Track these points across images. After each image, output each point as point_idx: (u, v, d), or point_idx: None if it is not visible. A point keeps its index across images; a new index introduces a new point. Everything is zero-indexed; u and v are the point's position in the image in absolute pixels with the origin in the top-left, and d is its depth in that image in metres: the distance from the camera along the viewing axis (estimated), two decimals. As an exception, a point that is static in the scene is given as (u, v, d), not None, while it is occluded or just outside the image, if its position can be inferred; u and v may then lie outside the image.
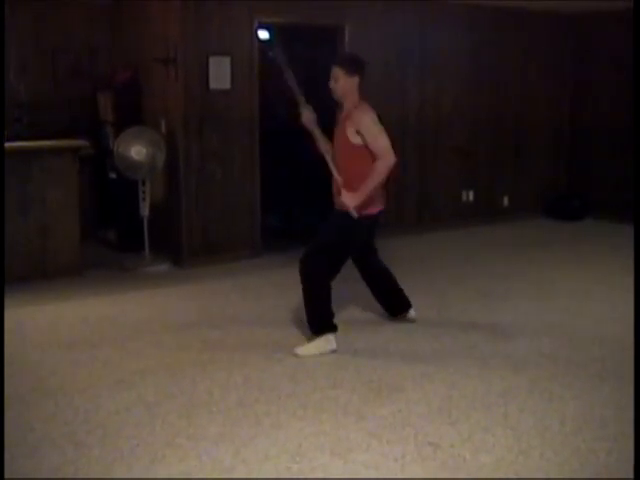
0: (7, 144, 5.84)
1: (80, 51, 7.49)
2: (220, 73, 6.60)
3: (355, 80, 4.49)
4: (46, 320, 5.31)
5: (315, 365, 4.46)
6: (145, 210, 6.68)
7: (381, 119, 4.52)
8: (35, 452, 3.41)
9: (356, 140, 4.45)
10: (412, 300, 5.49)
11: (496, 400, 3.98)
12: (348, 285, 6.12)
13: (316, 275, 4.62)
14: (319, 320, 4.67)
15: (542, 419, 3.76)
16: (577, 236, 8.25)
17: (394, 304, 5.19)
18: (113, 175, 7.16)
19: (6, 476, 2.95)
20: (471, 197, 8.62)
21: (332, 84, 4.51)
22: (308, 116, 4.60)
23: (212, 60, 6.55)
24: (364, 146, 4.44)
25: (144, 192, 6.67)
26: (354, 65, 4.51)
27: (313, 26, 7.41)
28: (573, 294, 5.99)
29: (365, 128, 4.42)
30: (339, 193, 4.56)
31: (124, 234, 7.23)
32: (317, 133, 4.64)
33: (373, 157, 4.43)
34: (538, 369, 4.41)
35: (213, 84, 6.59)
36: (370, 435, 3.59)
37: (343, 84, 4.47)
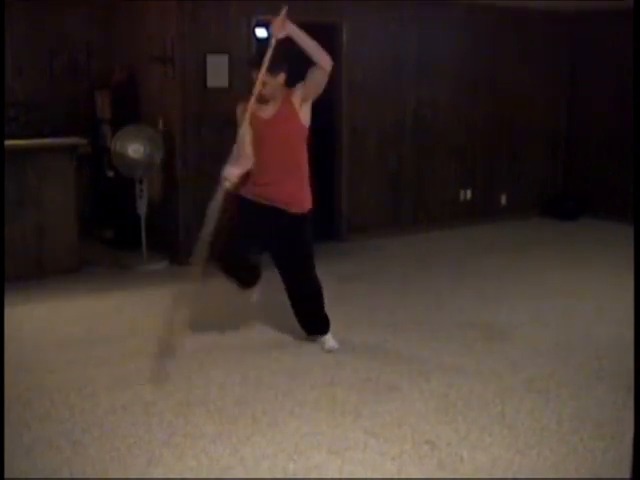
0: (4, 143, 5.83)
1: (77, 50, 7.48)
2: (218, 71, 6.59)
3: (282, 78, 4.26)
4: (43, 318, 5.30)
5: (312, 364, 4.46)
6: (142, 208, 6.67)
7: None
8: (31, 451, 3.41)
9: (305, 120, 4.29)
10: (409, 299, 5.50)
11: (493, 399, 3.98)
12: (346, 285, 6.14)
13: (318, 282, 4.65)
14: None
15: (539, 418, 3.76)
16: (574, 236, 8.25)
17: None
18: (110, 173, 7.16)
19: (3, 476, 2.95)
20: (468, 196, 8.62)
21: (259, 88, 4.17)
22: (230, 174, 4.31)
23: (210, 58, 6.54)
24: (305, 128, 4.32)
25: (141, 190, 6.66)
26: (278, 64, 4.22)
27: (311, 25, 7.38)
28: (570, 293, 5.99)
29: (303, 86, 4.24)
30: (291, 198, 4.37)
31: (121, 232, 7.22)
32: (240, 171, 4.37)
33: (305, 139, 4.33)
34: (535, 368, 4.42)
35: (211, 82, 6.58)
36: (367, 434, 3.59)
37: (273, 85, 4.22)
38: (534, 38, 8.76)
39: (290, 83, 4.36)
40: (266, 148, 4.33)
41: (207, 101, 6.61)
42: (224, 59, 6.61)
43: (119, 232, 7.27)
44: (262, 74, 4.11)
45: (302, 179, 4.43)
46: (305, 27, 7.50)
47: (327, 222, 7.82)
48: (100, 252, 7.11)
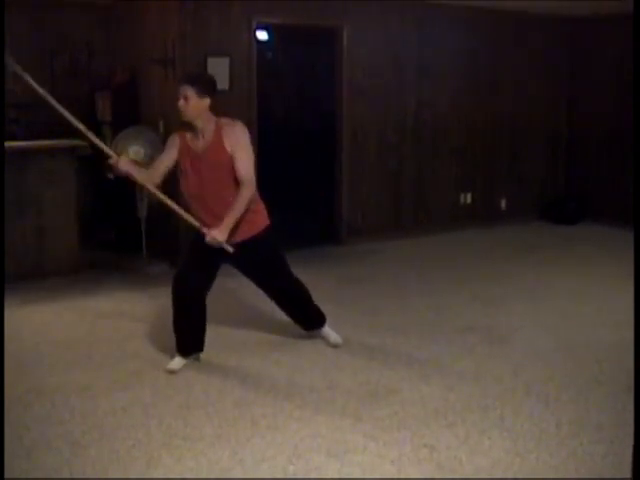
0: (5, 144, 5.83)
1: (78, 51, 7.48)
2: (218, 74, 6.57)
3: (206, 102, 4.12)
4: (43, 320, 5.30)
5: (312, 366, 4.46)
6: (143, 211, 6.67)
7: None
8: (31, 452, 3.41)
9: (231, 156, 4.16)
10: (409, 303, 5.50)
11: (492, 403, 3.98)
12: (346, 288, 6.15)
13: (298, 282, 4.66)
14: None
15: (538, 422, 3.76)
16: (574, 239, 8.26)
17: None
18: (111, 175, 7.15)
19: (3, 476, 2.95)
20: (468, 200, 8.62)
21: (181, 103, 4.10)
22: (122, 162, 4.28)
23: (210, 61, 6.55)
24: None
25: (142, 193, 6.66)
26: (206, 86, 4.16)
27: (312, 27, 7.42)
28: (570, 297, 5.99)
29: (241, 148, 4.14)
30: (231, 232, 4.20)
31: (122, 234, 7.22)
32: (135, 171, 4.35)
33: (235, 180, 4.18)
34: (534, 372, 4.42)
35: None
36: (367, 437, 3.59)
37: (194, 104, 4.09)
38: (534, 39, 8.77)
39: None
40: (195, 184, 4.24)
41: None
42: (225, 62, 6.62)
43: (119, 234, 7.27)
44: (186, 88, 4.09)
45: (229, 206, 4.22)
46: (306, 29, 7.56)
47: (327, 225, 7.83)
48: (100, 254, 7.11)
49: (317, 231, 7.80)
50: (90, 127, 7.30)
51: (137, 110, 7.10)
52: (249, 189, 4.17)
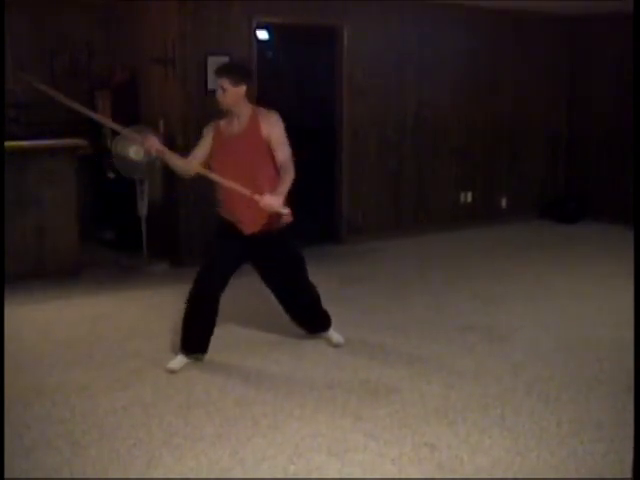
0: (5, 144, 5.84)
1: (77, 50, 7.48)
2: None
3: (242, 89, 4.23)
4: (43, 319, 5.30)
5: (312, 366, 4.46)
6: (143, 210, 6.67)
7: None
8: (31, 452, 3.41)
9: (267, 142, 4.28)
10: (410, 301, 5.50)
11: (493, 401, 3.98)
12: (346, 287, 6.15)
13: (312, 286, 4.69)
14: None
15: (539, 421, 3.76)
16: (574, 238, 8.26)
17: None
18: (111, 175, 7.16)
19: (3, 476, 2.95)
20: (469, 199, 8.62)
21: (219, 94, 4.23)
22: (153, 141, 4.33)
23: (210, 60, 6.54)
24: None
25: (142, 192, 6.67)
26: (241, 74, 4.28)
27: (312, 27, 7.42)
28: (570, 296, 5.99)
29: (279, 136, 4.26)
30: (258, 220, 4.30)
31: (122, 233, 7.22)
32: (169, 155, 4.42)
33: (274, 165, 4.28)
34: (535, 371, 4.42)
35: (211, 84, 6.57)
36: (367, 436, 3.59)
37: (231, 94, 4.20)
38: (534, 39, 8.77)
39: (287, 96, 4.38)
40: (230, 166, 4.27)
41: (208, 103, 6.61)
42: (225, 61, 6.61)
43: (120, 233, 7.27)
44: (222, 80, 4.21)
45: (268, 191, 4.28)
46: (306, 29, 7.57)
47: (327, 224, 7.83)
48: (101, 253, 7.11)
49: (317, 230, 7.79)
50: (90, 126, 7.38)
51: (137, 110, 7.11)
52: (290, 173, 4.25)
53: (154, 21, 6.81)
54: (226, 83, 4.21)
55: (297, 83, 9.57)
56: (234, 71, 4.30)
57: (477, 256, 7.32)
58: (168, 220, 6.85)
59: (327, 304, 4.91)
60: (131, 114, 7.01)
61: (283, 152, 4.28)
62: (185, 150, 6.55)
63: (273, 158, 4.28)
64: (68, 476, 3.22)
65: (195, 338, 4.47)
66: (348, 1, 7.28)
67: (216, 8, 6.56)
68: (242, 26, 6.72)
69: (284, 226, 4.41)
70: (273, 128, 4.27)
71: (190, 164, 4.37)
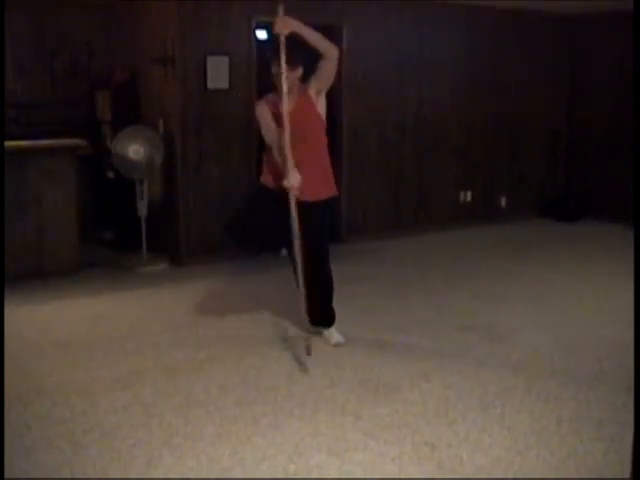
0: (5, 144, 5.84)
1: (77, 50, 7.48)
2: (218, 73, 6.60)
3: (299, 72, 4.46)
4: (43, 319, 5.31)
5: (312, 365, 4.46)
6: (143, 209, 6.67)
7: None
8: (32, 452, 3.41)
9: (322, 110, 4.52)
10: (409, 301, 5.49)
11: (493, 400, 3.99)
12: (346, 287, 6.14)
13: (330, 276, 4.82)
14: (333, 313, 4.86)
15: (539, 419, 3.77)
16: (574, 237, 8.26)
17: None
18: (111, 175, 7.16)
19: (3, 476, 2.95)
20: (469, 198, 8.62)
21: (279, 79, 4.34)
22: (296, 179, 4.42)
23: (210, 60, 6.55)
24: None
25: (142, 192, 6.67)
26: (298, 58, 4.43)
27: (311, 26, 7.40)
28: (570, 295, 5.99)
29: (315, 78, 4.43)
30: (307, 187, 4.48)
31: (122, 233, 7.23)
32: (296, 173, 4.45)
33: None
34: (535, 370, 4.42)
35: (211, 84, 6.59)
36: (367, 435, 3.59)
37: (290, 79, 4.36)
38: (534, 38, 8.77)
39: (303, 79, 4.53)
40: (291, 139, 4.39)
41: (207, 102, 6.62)
42: (224, 60, 6.62)
43: (119, 233, 7.27)
44: (283, 67, 4.29)
45: (322, 168, 4.59)
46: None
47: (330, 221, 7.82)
48: (100, 253, 7.11)
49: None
50: (90, 126, 7.39)
51: (137, 109, 7.11)
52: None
53: (154, 21, 6.81)
54: (284, 68, 4.29)
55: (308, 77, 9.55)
56: (291, 56, 4.34)
57: (477, 255, 7.32)
58: (167, 220, 6.85)
59: (327, 303, 4.91)
60: (131, 113, 7.02)
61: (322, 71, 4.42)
62: (184, 151, 6.60)
63: (324, 128, 4.53)
64: (69, 476, 3.22)
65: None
66: (347, 1, 7.28)
67: (216, 8, 6.56)
68: (242, 26, 6.72)
69: (331, 199, 4.68)
70: (311, 83, 4.45)
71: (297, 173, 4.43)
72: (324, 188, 4.62)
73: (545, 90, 9.03)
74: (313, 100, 4.48)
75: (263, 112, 4.54)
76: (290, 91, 4.37)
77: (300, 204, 4.46)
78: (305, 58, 4.47)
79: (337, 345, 4.75)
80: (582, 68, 9.07)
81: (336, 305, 4.89)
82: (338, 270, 6.64)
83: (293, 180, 4.38)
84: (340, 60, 7.44)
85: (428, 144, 8.19)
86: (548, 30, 8.87)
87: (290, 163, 4.37)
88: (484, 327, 5.18)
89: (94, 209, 7.65)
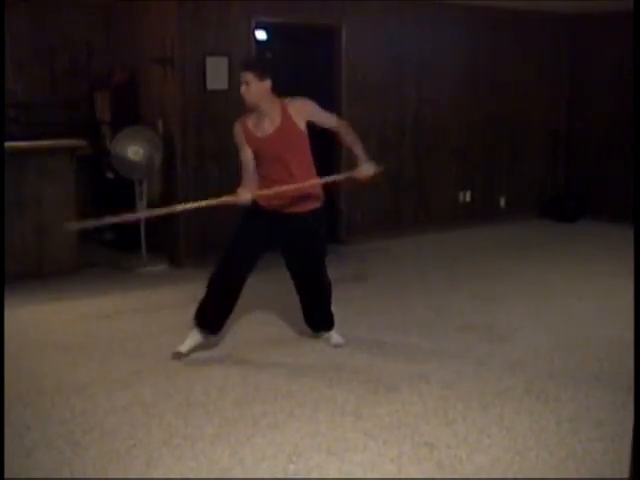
0: (5, 144, 5.84)
1: (77, 50, 7.48)
2: (217, 73, 6.60)
3: (267, 84, 4.18)
4: (43, 319, 5.31)
5: (312, 365, 4.47)
6: (142, 210, 6.67)
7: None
8: (31, 452, 3.41)
9: (304, 130, 4.31)
10: (409, 301, 5.48)
11: (492, 401, 3.99)
12: (346, 287, 6.14)
13: (328, 283, 4.73)
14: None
15: (538, 420, 3.77)
16: (573, 237, 8.26)
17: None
18: (110, 175, 7.16)
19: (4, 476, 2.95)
20: (468, 198, 8.62)
21: (243, 89, 4.18)
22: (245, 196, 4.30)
23: (209, 60, 6.55)
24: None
25: (141, 192, 6.67)
26: (266, 68, 4.22)
27: (310, 27, 7.42)
28: (569, 295, 6.00)
29: (315, 112, 4.29)
30: (294, 201, 4.36)
31: (121, 234, 7.22)
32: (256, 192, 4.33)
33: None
34: (534, 370, 4.42)
35: (210, 85, 6.59)
36: (367, 435, 3.59)
37: (256, 88, 4.15)
38: (534, 38, 8.78)
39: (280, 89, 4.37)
40: (268, 163, 4.31)
41: (207, 103, 6.62)
42: (224, 61, 6.62)
43: (119, 234, 7.27)
44: (245, 73, 4.16)
45: (306, 179, 4.35)
46: (305, 29, 7.56)
47: (327, 224, 7.81)
48: (100, 254, 7.11)
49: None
50: (90, 127, 7.40)
51: (136, 110, 7.11)
52: (350, 131, 4.39)
53: (153, 21, 6.81)
54: (250, 77, 4.12)
55: (296, 83, 9.55)
56: (259, 65, 4.22)
57: (477, 256, 7.33)
58: (167, 220, 6.84)
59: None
60: (130, 114, 7.02)
61: (328, 120, 4.32)
62: (183, 152, 6.60)
63: (309, 146, 4.32)
64: (69, 476, 3.22)
65: (212, 315, 4.50)
66: (347, 1, 7.29)
67: (215, 8, 6.56)
68: (241, 26, 6.72)
69: (320, 209, 4.45)
70: (305, 109, 4.26)
71: (248, 193, 4.30)
72: (311, 198, 4.42)
73: (545, 90, 9.03)
74: (295, 122, 4.25)
75: (238, 132, 4.38)
76: (259, 104, 4.21)
77: (289, 216, 4.37)
78: (274, 71, 4.31)
79: (337, 346, 4.76)
80: (582, 68, 9.07)
81: (335, 306, 4.89)
82: (338, 271, 6.65)
83: (241, 199, 4.25)
84: (338, 60, 7.51)
85: (428, 144, 8.20)
86: (548, 30, 8.88)
87: (246, 181, 4.32)
88: (484, 327, 5.18)
89: (94, 210, 7.64)
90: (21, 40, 7.23)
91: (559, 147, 9.34)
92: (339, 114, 7.54)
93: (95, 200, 7.66)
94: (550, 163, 9.31)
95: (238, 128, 4.36)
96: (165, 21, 6.60)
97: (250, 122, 4.30)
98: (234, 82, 6.68)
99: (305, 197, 4.38)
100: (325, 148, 7.77)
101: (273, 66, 4.35)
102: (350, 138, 4.38)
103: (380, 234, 7.86)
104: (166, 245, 6.89)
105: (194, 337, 4.52)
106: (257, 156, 4.33)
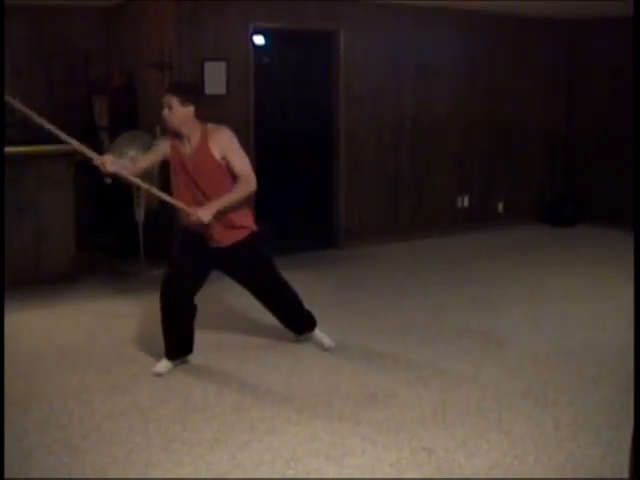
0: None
1: (75, 56, 7.49)
2: (215, 78, 6.61)
3: (190, 110, 4.17)
4: (41, 324, 5.30)
5: (309, 370, 4.46)
6: (140, 215, 6.67)
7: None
8: (29, 457, 3.41)
9: (222, 160, 4.22)
10: (407, 306, 5.47)
11: (490, 405, 3.99)
12: (343, 292, 6.16)
13: (287, 286, 4.66)
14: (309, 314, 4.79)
15: (536, 424, 3.77)
16: (572, 241, 8.27)
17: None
18: (108, 180, 7.15)
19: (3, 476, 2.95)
20: (466, 203, 8.62)
21: (165, 113, 4.17)
22: (108, 163, 4.33)
23: (207, 65, 6.56)
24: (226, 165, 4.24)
25: (139, 197, 6.67)
26: (190, 95, 4.22)
27: (308, 31, 7.44)
28: (567, 299, 6.00)
29: (231, 150, 4.22)
30: (218, 235, 4.28)
31: (119, 239, 7.22)
32: (120, 169, 4.33)
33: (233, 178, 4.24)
34: (532, 374, 4.42)
35: (208, 89, 6.60)
36: (365, 440, 3.59)
37: (178, 113, 4.14)
38: (533, 42, 8.79)
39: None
40: (183, 184, 4.27)
41: (205, 108, 6.60)
42: (222, 66, 6.63)
43: (117, 239, 7.27)
44: (170, 97, 4.16)
45: (227, 212, 4.26)
46: (302, 33, 7.57)
47: (324, 228, 7.83)
48: (98, 258, 7.11)
49: (315, 235, 7.79)
50: (88, 132, 7.38)
51: (134, 115, 7.11)
52: (247, 183, 4.22)
53: (151, 26, 6.82)
54: (174, 101, 4.14)
55: (294, 88, 9.57)
56: (184, 90, 4.23)
57: (474, 260, 7.33)
58: (165, 225, 6.84)
59: (324, 308, 4.92)
60: (128, 119, 7.02)
61: (239, 164, 4.22)
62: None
63: (227, 176, 4.23)
64: (66, 481, 3.22)
65: (175, 343, 4.47)
66: (344, 5, 7.30)
67: (213, 13, 6.57)
68: (239, 31, 6.73)
69: (249, 235, 4.38)
70: (224, 143, 4.22)
71: (131, 171, 4.32)
72: (239, 231, 4.35)
73: (543, 95, 9.04)
74: (212, 152, 4.19)
75: (164, 141, 4.37)
76: (179, 129, 4.19)
77: (222, 248, 4.32)
78: (199, 97, 4.36)
79: (329, 348, 4.74)
80: (580, 73, 9.07)
81: (333, 310, 4.90)
82: (335, 275, 6.67)
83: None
84: (337, 65, 7.52)
85: (426, 148, 8.20)
86: (547, 34, 8.88)
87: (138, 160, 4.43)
88: (482, 331, 5.18)
89: (92, 215, 7.65)
90: (19, 45, 7.23)
91: (557, 152, 9.34)
92: (337, 118, 7.61)
93: (93, 205, 7.66)
94: (548, 168, 9.31)
95: (165, 139, 4.38)
96: (163, 26, 6.61)
97: (176, 141, 4.29)
98: (232, 87, 6.72)
99: (231, 228, 4.31)
100: (323, 161, 7.85)
101: (198, 93, 4.38)
102: (236, 190, 4.20)
103: (377, 239, 7.85)
104: (164, 250, 6.87)
105: (169, 364, 4.45)
106: (175, 178, 4.31)
